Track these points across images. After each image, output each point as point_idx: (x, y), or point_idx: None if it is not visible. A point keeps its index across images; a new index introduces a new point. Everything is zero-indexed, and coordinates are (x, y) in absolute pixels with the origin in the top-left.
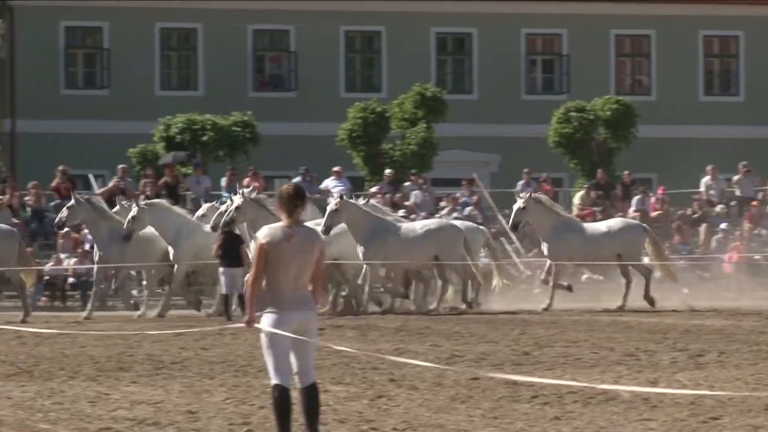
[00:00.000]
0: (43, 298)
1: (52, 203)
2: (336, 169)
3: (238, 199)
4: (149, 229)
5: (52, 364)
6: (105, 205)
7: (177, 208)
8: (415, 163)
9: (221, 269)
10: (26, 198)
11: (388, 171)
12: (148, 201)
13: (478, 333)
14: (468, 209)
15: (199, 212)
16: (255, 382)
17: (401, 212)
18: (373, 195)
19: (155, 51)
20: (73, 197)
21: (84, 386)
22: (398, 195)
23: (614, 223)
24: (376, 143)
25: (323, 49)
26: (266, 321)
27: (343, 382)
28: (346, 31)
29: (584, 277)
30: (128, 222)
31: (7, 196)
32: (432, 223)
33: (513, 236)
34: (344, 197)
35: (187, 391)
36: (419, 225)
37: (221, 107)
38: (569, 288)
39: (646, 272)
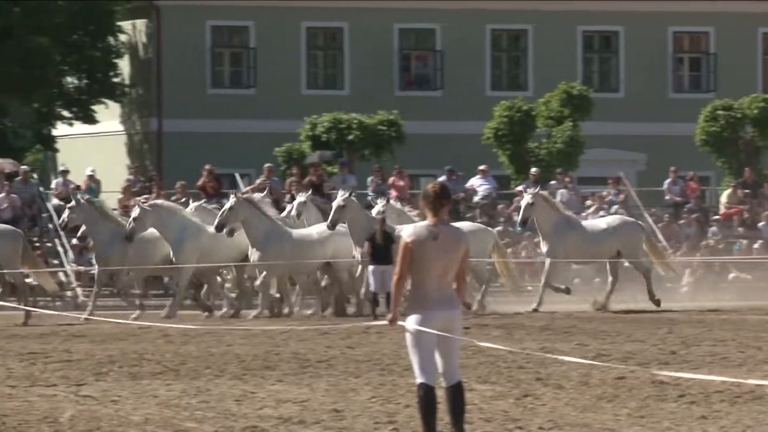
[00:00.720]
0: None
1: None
2: (482, 167)
3: (231, 200)
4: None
5: (199, 362)
6: (106, 206)
7: (182, 209)
8: (561, 162)
9: (370, 268)
10: (173, 197)
11: (533, 170)
12: (152, 202)
13: (625, 332)
14: (614, 207)
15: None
16: (401, 381)
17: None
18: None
19: (301, 50)
20: (73, 198)
21: (230, 385)
22: None
23: (612, 220)
24: (522, 142)
25: (469, 48)
26: (411, 320)
27: (489, 380)
28: (492, 30)
29: (731, 276)
30: (130, 223)
31: (154, 195)
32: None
33: (660, 235)
34: (351, 195)
35: (332, 389)
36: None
37: (367, 106)
38: (567, 290)
39: (646, 271)
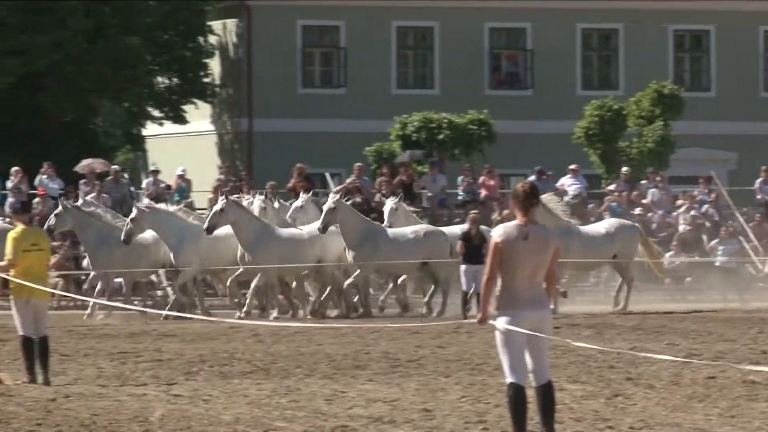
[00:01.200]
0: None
1: (288, 202)
2: (572, 167)
3: (220, 202)
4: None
5: (289, 361)
6: (95, 210)
7: (180, 212)
8: (651, 161)
9: (463, 267)
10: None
11: (624, 169)
12: (149, 204)
13: (716, 332)
14: (705, 207)
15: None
16: (491, 381)
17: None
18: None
19: (392, 49)
20: (60, 204)
21: (320, 384)
22: (635, 193)
23: (611, 224)
24: (613, 141)
25: (560, 47)
26: (501, 320)
27: (580, 380)
28: (583, 29)
29: None
30: (128, 224)
31: (243, 195)
32: (421, 228)
33: (751, 234)
34: (341, 198)
35: (422, 389)
36: (409, 230)
37: (457, 105)
38: (564, 294)
39: (630, 279)
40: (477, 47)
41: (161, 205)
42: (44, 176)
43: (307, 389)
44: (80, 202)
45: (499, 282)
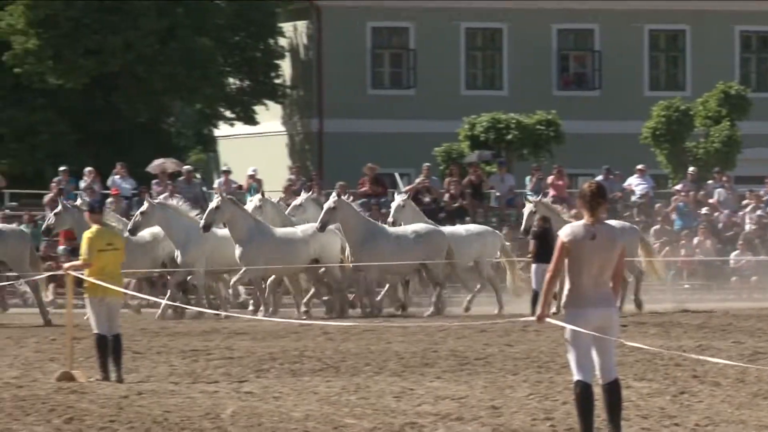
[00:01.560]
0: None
1: (358, 201)
2: (639, 167)
3: (216, 200)
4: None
5: (358, 359)
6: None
7: (189, 211)
8: (718, 161)
9: (534, 266)
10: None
11: (691, 169)
12: (160, 201)
13: None
14: None
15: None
16: (558, 378)
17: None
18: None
19: (461, 51)
20: (60, 203)
21: (389, 381)
22: (701, 193)
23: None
24: (680, 141)
25: (627, 48)
26: (568, 318)
27: (646, 378)
28: (650, 30)
29: None
30: (137, 216)
31: (315, 195)
32: (421, 228)
33: None
34: (341, 197)
35: (490, 386)
36: (410, 229)
37: (525, 106)
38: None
39: (638, 274)
40: (545, 48)
41: (173, 202)
42: (117, 176)
43: (376, 387)
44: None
45: (566, 281)
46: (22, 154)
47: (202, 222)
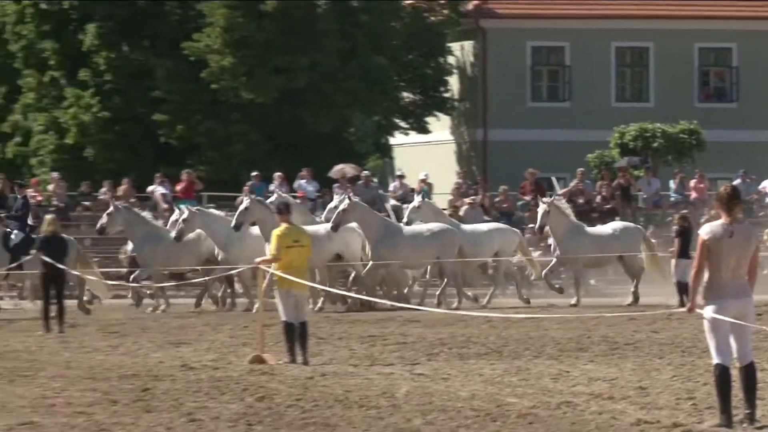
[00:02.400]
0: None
1: (519, 203)
2: None
3: (245, 201)
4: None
5: (519, 344)
6: (141, 212)
7: (224, 215)
8: None
9: (675, 260)
10: (496, 199)
11: None
12: (199, 208)
13: None
14: None
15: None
16: (699, 362)
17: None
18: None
19: (611, 67)
20: (111, 205)
21: (547, 364)
22: None
23: (617, 226)
24: None
25: (764, 64)
26: (708, 308)
27: None
28: None
29: None
30: (179, 224)
31: (479, 197)
32: (435, 226)
33: None
34: (353, 199)
35: (638, 369)
36: (425, 228)
37: (670, 117)
38: (560, 290)
39: (639, 270)
40: (687, 65)
41: (211, 209)
42: (302, 180)
43: (535, 369)
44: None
45: (706, 275)
46: (219, 161)
47: (232, 222)
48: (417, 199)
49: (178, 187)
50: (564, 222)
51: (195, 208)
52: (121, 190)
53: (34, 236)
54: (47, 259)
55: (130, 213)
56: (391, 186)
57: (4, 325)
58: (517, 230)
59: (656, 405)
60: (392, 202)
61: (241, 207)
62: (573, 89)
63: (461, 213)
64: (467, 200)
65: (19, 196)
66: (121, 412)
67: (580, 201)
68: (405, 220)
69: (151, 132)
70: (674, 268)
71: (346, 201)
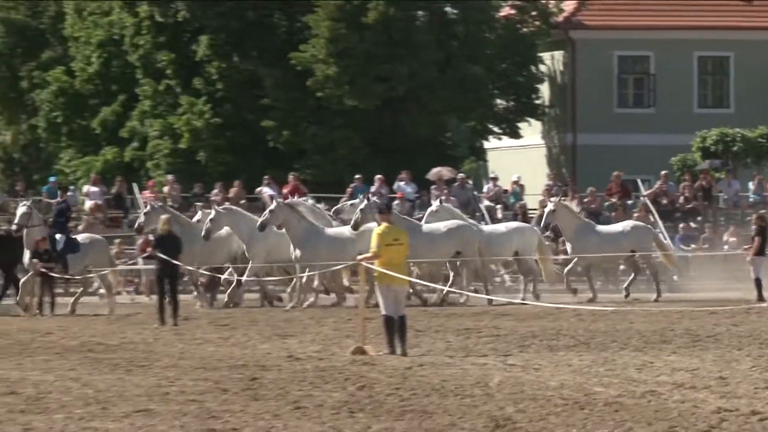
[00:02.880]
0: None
1: (606, 204)
2: None
3: (272, 204)
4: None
5: (606, 337)
6: (175, 211)
7: (250, 214)
8: None
9: (749, 258)
10: (585, 200)
11: None
12: (225, 206)
13: None
14: None
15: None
16: None
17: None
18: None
19: (694, 75)
20: (148, 204)
21: (632, 356)
22: None
23: (626, 224)
24: None
25: None
26: None
27: None
28: None
29: None
30: (207, 224)
31: (569, 198)
32: (452, 224)
33: None
34: (369, 201)
35: (719, 360)
36: (442, 225)
37: (749, 122)
38: (574, 291)
39: (654, 268)
40: (766, 73)
41: (236, 208)
42: (402, 182)
43: (620, 360)
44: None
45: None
46: (324, 165)
47: (257, 223)
48: (435, 204)
49: (285, 189)
50: (573, 221)
51: (223, 207)
52: (232, 191)
53: (74, 237)
54: (162, 256)
55: (167, 212)
56: (485, 188)
57: (122, 318)
58: (536, 229)
59: (735, 394)
60: (486, 202)
61: (268, 209)
62: (657, 96)
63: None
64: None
65: (59, 200)
66: (230, 400)
67: (664, 201)
68: (422, 223)
69: (259, 137)
70: (751, 265)
71: (363, 203)
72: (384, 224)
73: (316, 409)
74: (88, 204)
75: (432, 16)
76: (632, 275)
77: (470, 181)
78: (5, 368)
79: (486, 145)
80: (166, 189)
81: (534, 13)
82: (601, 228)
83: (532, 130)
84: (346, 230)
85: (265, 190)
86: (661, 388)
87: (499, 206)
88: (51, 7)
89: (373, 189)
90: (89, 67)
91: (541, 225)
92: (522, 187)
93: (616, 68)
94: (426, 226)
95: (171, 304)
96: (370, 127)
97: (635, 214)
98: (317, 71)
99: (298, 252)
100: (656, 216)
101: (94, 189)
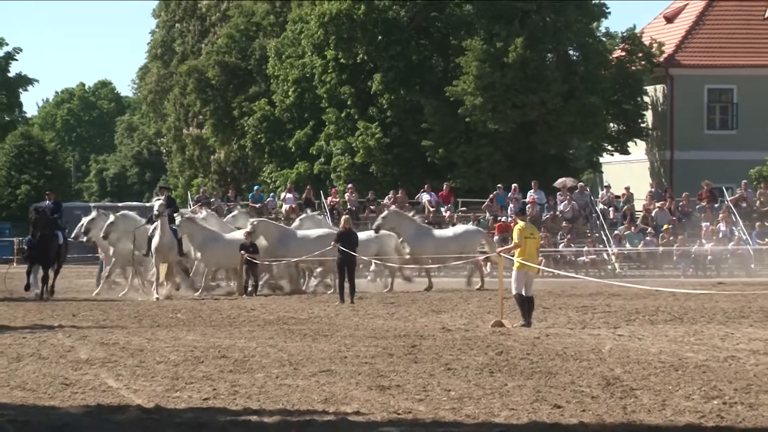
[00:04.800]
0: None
1: (697, 206)
2: None
3: (386, 212)
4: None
5: (695, 313)
6: (202, 221)
7: (277, 224)
8: None
9: None
10: (680, 204)
11: None
12: (259, 218)
13: None
14: None
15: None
16: None
17: None
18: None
19: None
20: (93, 211)
21: (717, 328)
22: None
23: (458, 229)
24: None
25: None
26: None
27: None
28: None
29: None
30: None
31: (667, 203)
32: (460, 228)
33: None
34: (393, 208)
35: None
36: (450, 230)
37: None
38: (408, 279)
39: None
40: None
41: (264, 219)
42: (532, 190)
43: (707, 331)
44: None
45: None
46: (470, 176)
47: (374, 226)
48: (302, 216)
49: (441, 195)
50: (410, 225)
51: (257, 220)
52: (398, 197)
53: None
54: (343, 249)
55: (191, 222)
56: (600, 194)
57: (310, 297)
58: (482, 230)
59: None
60: (600, 206)
61: (381, 216)
62: (739, 120)
63: (653, 214)
64: (658, 204)
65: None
66: (395, 362)
67: (744, 205)
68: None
69: (420, 153)
70: None
71: (388, 209)
72: (521, 222)
73: (463, 370)
74: (285, 207)
75: (559, 57)
76: (470, 269)
77: (588, 189)
78: (218, 337)
79: (601, 159)
80: (346, 195)
81: (640, 55)
82: (437, 232)
83: (637, 148)
84: (449, 231)
85: (424, 196)
86: (740, 354)
87: (611, 208)
88: (257, 52)
89: (509, 195)
90: (286, 99)
91: (373, 228)
92: (631, 195)
93: (706, 98)
94: (438, 232)
95: (349, 286)
96: (508, 145)
97: (720, 215)
98: (467, 101)
99: (408, 248)
100: (737, 216)
101: (289, 195)
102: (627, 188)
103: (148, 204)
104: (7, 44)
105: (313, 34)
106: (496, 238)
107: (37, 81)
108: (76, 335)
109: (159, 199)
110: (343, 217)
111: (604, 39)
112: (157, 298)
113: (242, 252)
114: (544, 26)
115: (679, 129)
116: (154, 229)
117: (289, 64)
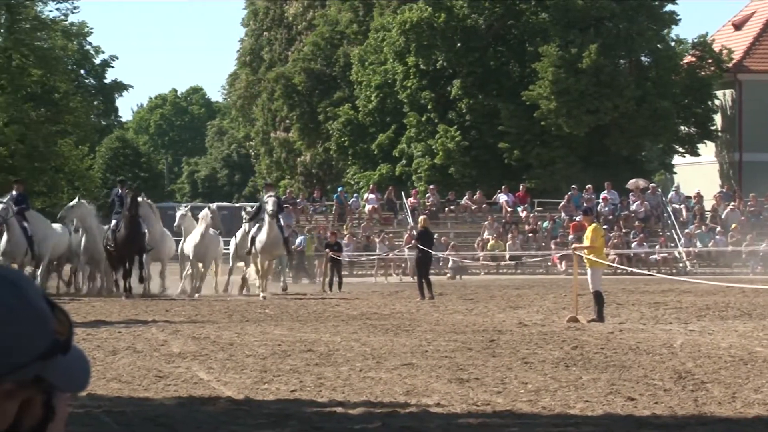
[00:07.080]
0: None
1: (765, 206)
2: None
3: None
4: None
5: (764, 309)
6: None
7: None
8: None
9: None
10: (749, 204)
11: None
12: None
13: None
14: None
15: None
16: None
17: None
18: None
19: None
20: (75, 199)
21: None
22: None
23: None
24: None
25: None
26: None
27: None
28: None
29: None
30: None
31: (736, 203)
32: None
33: None
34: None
35: None
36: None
37: None
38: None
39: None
40: None
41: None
42: (605, 191)
43: (742, 328)
44: None
45: None
46: (546, 177)
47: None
48: (180, 213)
49: (517, 195)
50: (157, 225)
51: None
52: (476, 198)
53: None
54: (421, 247)
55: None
56: (671, 194)
57: (393, 293)
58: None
59: None
60: (672, 205)
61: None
62: None
63: (723, 215)
64: (728, 205)
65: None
66: (474, 356)
67: None
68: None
69: (497, 155)
70: None
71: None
72: (594, 224)
73: (539, 364)
74: (368, 207)
75: (631, 62)
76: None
77: (659, 190)
78: (305, 332)
79: (672, 161)
80: (427, 195)
81: (710, 60)
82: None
83: (707, 150)
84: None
85: (502, 197)
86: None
87: (683, 206)
88: (341, 59)
89: (584, 194)
90: (369, 104)
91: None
92: (701, 197)
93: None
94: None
95: (426, 283)
96: (582, 147)
97: None
98: (542, 105)
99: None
100: None
101: (372, 196)
102: (698, 191)
103: (237, 204)
104: (103, 52)
105: (395, 42)
106: (571, 237)
107: (132, 87)
108: (169, 330)
109: (271, 196)
110: (421, 217)
111: (674, 45)
112: (264, 297)
113: (327, 250)
114: (617, 33)
115: (748, 132)
116: (259, 227)
117: (371, 70)
